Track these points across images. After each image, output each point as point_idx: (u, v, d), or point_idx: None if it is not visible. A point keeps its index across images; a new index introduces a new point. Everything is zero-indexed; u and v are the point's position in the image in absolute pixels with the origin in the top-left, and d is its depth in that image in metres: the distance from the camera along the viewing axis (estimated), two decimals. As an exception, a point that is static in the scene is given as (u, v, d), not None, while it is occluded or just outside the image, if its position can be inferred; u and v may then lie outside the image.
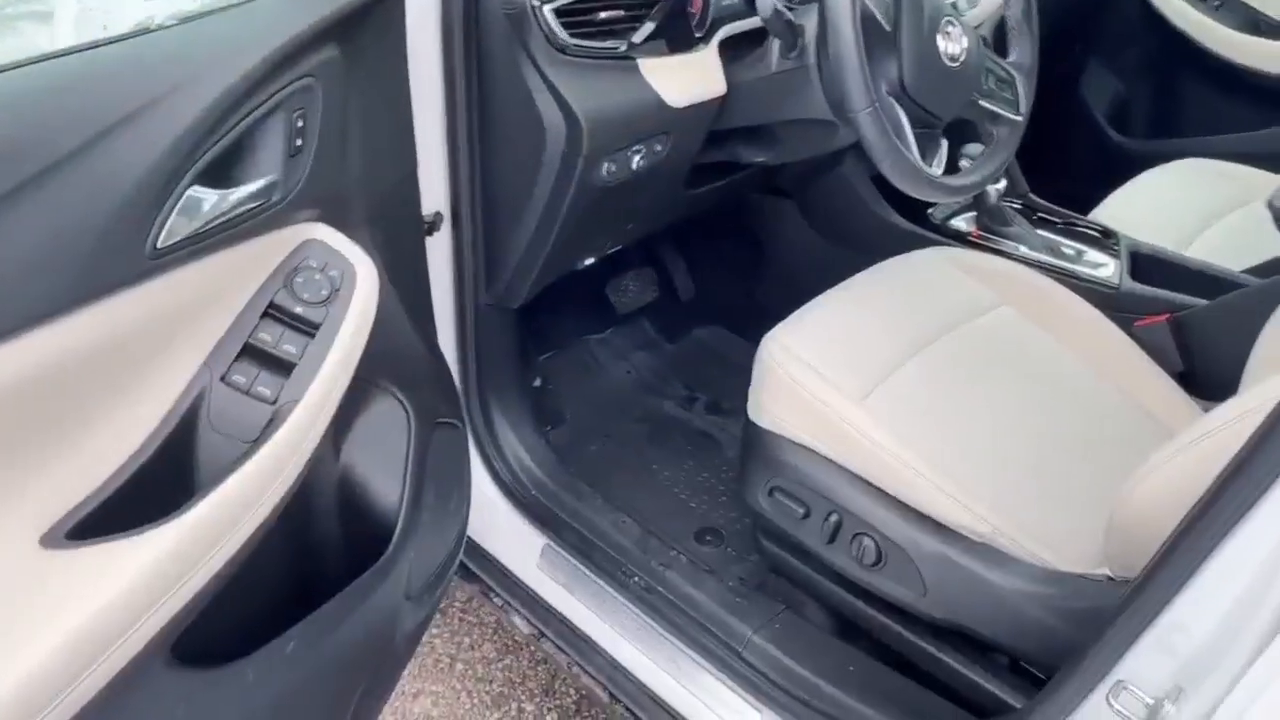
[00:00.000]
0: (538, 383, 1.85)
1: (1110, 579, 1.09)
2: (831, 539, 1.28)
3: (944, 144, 1.29)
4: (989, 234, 1.68)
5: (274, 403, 0.86)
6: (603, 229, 1.51)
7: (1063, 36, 2.30)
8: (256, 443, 0.84)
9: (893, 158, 1.18)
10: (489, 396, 1.56)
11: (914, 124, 1.26)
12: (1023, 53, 1.38)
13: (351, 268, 0.95)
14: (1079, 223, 1.73)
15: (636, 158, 1.34)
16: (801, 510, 1.31)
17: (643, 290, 2.00)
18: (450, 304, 1.45)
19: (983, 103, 1.32)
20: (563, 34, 1.20)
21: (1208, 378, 1.45)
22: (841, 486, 1.27)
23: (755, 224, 1.95)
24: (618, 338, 2.04)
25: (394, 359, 1.14)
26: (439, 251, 1.39)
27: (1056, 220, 1.74)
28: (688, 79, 1.34)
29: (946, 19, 1.24)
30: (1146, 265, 1.63)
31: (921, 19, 1.21)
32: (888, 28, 1.19)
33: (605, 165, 1.30)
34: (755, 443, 1.37)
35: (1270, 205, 1.39)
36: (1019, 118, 1.36)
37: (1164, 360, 1.47)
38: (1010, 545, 1.16)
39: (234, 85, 0.80)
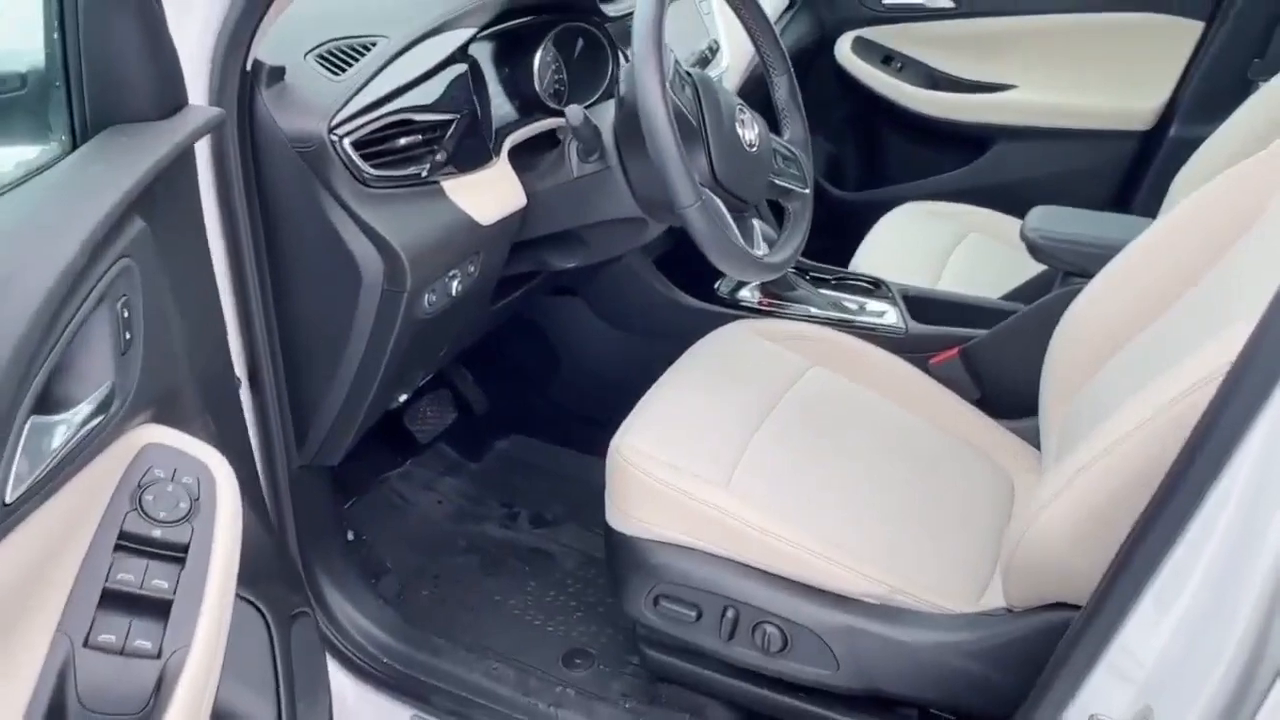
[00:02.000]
0: (351, 536, 1.68)
1: (1010, 611, 1.14)
2: (731, 635, 1.25)
3: (757, 225, 1.33)
4: (777, 300, 1.75)
5: (159, 656, 0.70)
6: (421, 361, 1.40)
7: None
8: (151, 714, 0.67)
9: (723, 246, 1.19)
10: (315, 567, 1.39)
11: (730, 208, 1.28)
12: (795, 130, 1.45)
13: (206, 470, 0.80)
14: (849, 277, 1.85)
15: (454, 283, 1.26)
16: (693, 613, 1.26)
17: (442, 414, 1.89)
18: (260, 473, 1.28)
19: (778, 181, 1.37)
20: (365, 166, 1.11)
21: (1002, 399, 1.58)
22: (730, 579, 1.24)
23: (544, 325, 1.91)
24: (419, 468, 1.91)
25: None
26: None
27: (829, 277, 1.85)
28: (491, 195, 1.29)
29: (738, 107, 1.28)
30: (920, 306, 1.76)
31: (720, 111, 1.24)
32: (694, 123, 1.20)
33: (427, 297, 1.22)
34: (626, 553, 1.31)
35: (1023, 235, 1.55)
36: (807, 190, 1.42)
37: (962, 390, 1.59)
38: (908, 600, 1.18)
39: (57, 283, 0.65)
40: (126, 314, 0.74)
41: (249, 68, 1.07)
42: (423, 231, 1.17)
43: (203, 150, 1.05)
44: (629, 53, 1.27)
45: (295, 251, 1.15)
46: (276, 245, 1.15)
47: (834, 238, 2.51)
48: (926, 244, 2.07)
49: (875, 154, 2.53)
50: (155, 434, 0.80)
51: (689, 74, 1.24)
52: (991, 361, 1.59)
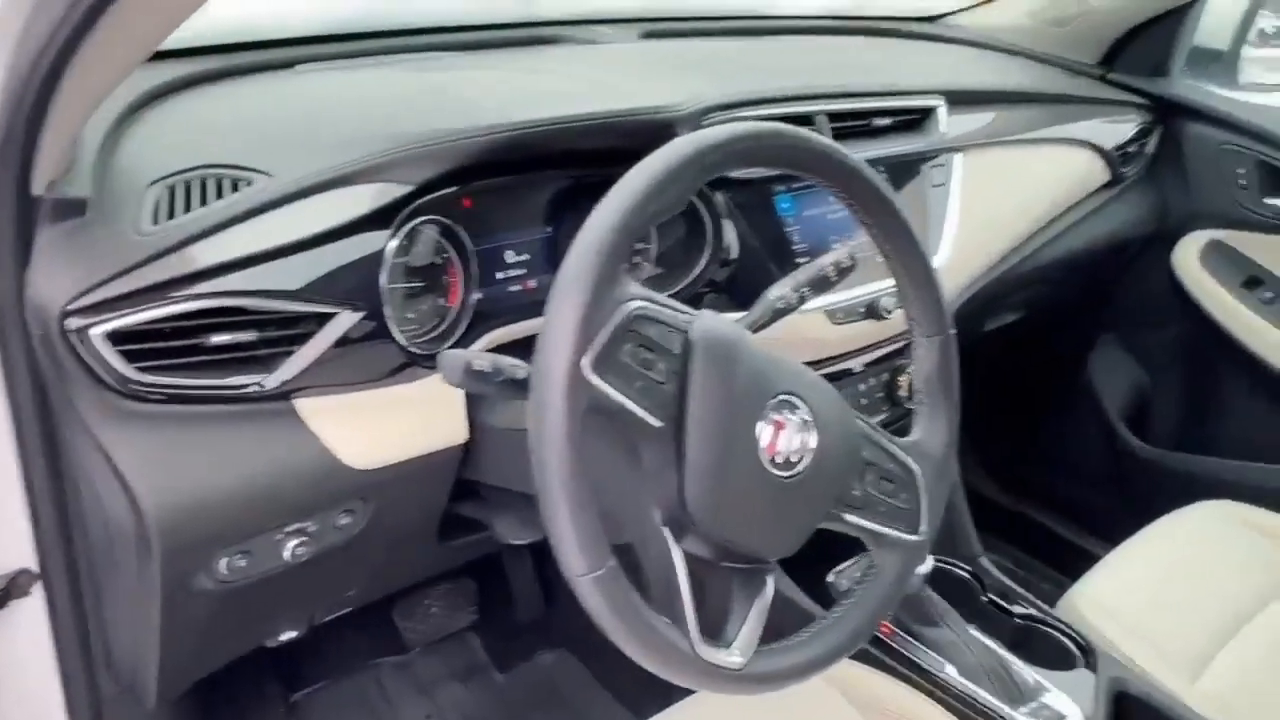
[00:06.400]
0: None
1: None
2: None
3: (769, 590, 0.78)
4: (903, 634, 1.14)
5: None
6: (286, 607, 1.01)
7: (1069, 302, 1.81)
8: None
9: (637, 635, 0.67)
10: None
11: (724, 556, 0.76)
12: (933, 431, 0.87)
13: None
14: (1043, 622, 1.19)
15: (293, 543, 0.85)
16: None
17: (453, 613, 1.49)
18: (57, 693, 0.96)
19: (851, 517, 0.80)
20: (123, 368, 0.73)
21: None
22: None
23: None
24: (426, 661, 1.52)
25: None
26: (32, 624, 0.90)
27: (1014, 612, 1.21)
28: (394, 424, 0.86)
29: (781, 396, 0.74)
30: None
31: (729, 397, 0.71)
32: (656, 423, 0.69)
33: (221, 562, 0.81)
34: None
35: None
36: (916, 537, 0.84)
37: None
38: None
39: None
40: None
41: (35, 192, 0.74)
42: (216, 477, 0.77)
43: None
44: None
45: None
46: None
47: (1111, 495, 1.80)
48: (1226, 580, 1.32)
49: (1204, 406, 1.75)
50: None
51: (687, 319, 0.72)
52: None
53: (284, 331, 0.78)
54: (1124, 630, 1.20)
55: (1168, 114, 1.67)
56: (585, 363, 0.64)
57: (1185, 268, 1.66)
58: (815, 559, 1.18)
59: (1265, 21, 1.82)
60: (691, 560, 0.73)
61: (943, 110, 1.31)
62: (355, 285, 0.81)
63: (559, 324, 0.63)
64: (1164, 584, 1.30)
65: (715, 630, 0.73)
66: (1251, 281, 1.63)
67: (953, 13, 1.83)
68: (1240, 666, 1.19)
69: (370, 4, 1.24)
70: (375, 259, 0.82)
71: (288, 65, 1.08)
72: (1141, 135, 1.64)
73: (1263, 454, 1.63)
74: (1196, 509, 1.43)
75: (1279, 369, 1.58)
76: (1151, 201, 1.67)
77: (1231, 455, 1.67)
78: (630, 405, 0.67)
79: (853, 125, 1.21)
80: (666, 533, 0.72)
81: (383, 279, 0.82)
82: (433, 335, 0.90)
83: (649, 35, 1.46)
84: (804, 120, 1.13)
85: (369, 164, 0.81)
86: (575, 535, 0.64)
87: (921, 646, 1.13)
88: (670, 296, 1.03)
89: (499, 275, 0.96)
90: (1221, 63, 1.73)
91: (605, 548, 0.65)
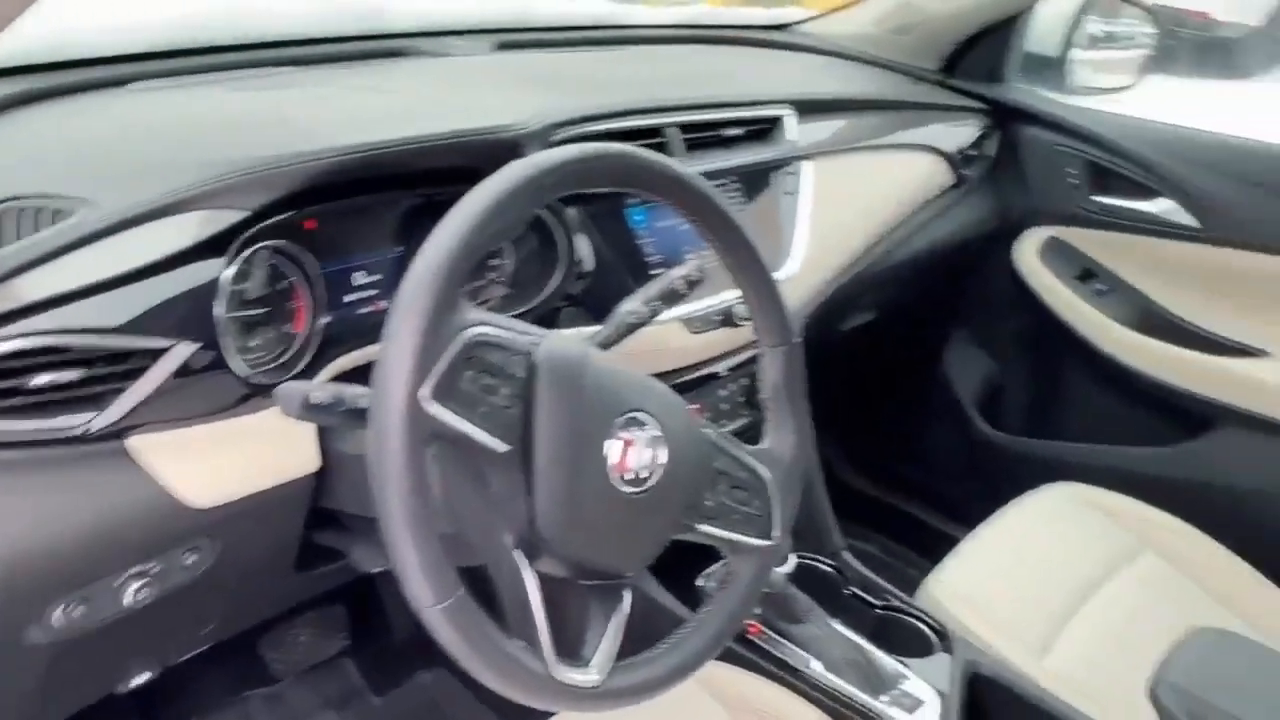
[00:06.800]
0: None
1: None
2: None
3: (625, 605, 0.79)
4: (771, 632, 1.17)
5: None
6: (135, 651, 0.97)
7: (921, 300, 1.88)
8: None
9: (491, 663, 0.67)
10: None
11: (579, 574, 0.76)
12: (781, 440, 0.89)
13: None
14: (902, 611, 1.24)
15: (135, 586, 0.82)
16: None
17: (322, 642, 1.45)
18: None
19: (704, 527, 0.82)
20: (-63, 419, 0.69)
21: None
22: None
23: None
24: (298, 691, 1.48)
25: None
26: None
27: (877, 604, 1.25)
28: (239, 457, 0.84)
29: (629, 414, 0.75)
30: (990, 700, 1.13)
31: (575, 416, 0.72)
32: (502, 448, 0.69)
33: (54, 613, 0.78)
34: None
35: (1153, 696, 0.91)
36: (769, 542, 0.86)
37: None
38: None
39: None
40: None
41: None
42: (43, 525, 0.73)
43: None
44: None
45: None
46: None
47: (968, 481, 1.88)
48: (1070, 560, 1.40)
49: (1048, 393, 1.85)
50: None
51: (531, 341, 0.72)
52: None
53: (113, 368, 0.75)
54: (977, 613, 1.25)
55: (1005, 118, 1.75)
56: (424, 392, 0.63)
57: (1025, 263, 1.75)
58: (690, 562, 1.20)
59: (1093, 26, 1.93)
60: (546, 580, 0.73)
61: (792, 119, 1.35)
62: (188, 317, 0.78)
63: (395, 354, 0.63)
64: (1014, 566, 1.37)
65: (573, 649, 0.74)
66: (1085, 275, 1.73)
67: (801, 21, 1.89)
68: (1084, 642, 1.26)
69: (210, 17, 1.19)
70: (209, 289, 0.79)
71: (119, 83, 1.04)
72: (981, 139, 1.72)
73: (1103, 437, 1.73)
74: (1044, 492, 1.51)
75: (1114, 357, 1.68)
76: (992, 202, 1.75)
77: (1075, 439, 1.77)
78: (473, 432, 0.67)
79: (704, 136, 1.23)
80: (519, 555, 0.72)
81: (218, 309, 0.79)
82: (279, 363, 0.88)
83: (503, 46, 1.45)
84: (654, 133, 1.15)
85: (199, 191, 0.78)
86: (420, 567, 0.63)
87: (788, 644, 1.16)
88: (526, 313, 1.04)
89: (347, 298, 0.94)
90: (1053, 67, 1.83)
91: (452, 577, 0.65)
